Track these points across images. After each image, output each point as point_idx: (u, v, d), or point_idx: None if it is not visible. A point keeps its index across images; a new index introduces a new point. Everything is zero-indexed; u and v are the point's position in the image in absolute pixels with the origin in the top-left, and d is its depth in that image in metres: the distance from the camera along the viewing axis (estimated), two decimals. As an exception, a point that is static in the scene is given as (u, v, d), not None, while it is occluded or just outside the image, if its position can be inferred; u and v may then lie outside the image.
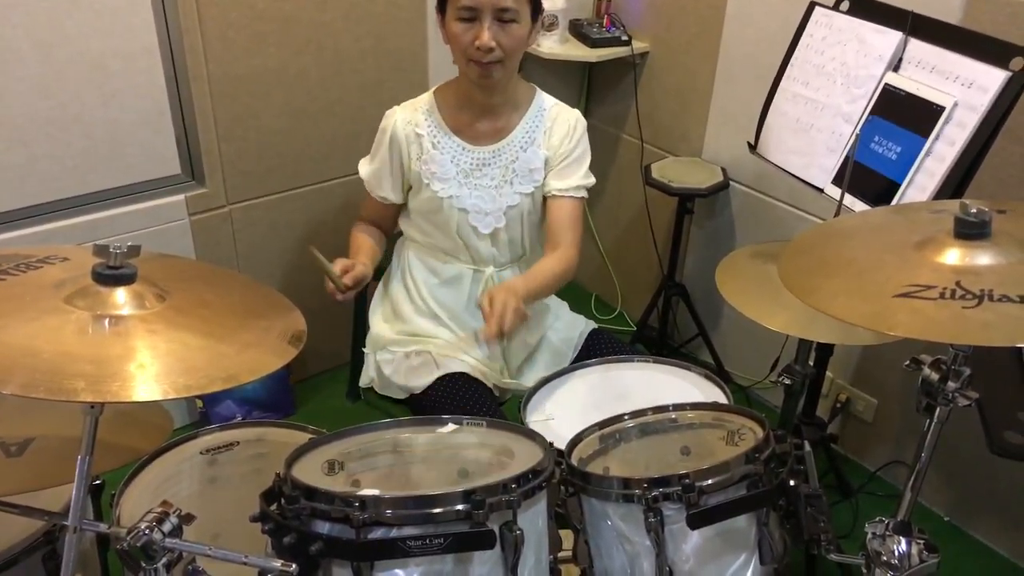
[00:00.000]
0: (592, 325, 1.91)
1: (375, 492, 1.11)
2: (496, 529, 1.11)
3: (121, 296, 1.06)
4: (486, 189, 1.71)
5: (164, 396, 0.95)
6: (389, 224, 1.87)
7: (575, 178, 1.76)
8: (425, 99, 1.72)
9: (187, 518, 1.08)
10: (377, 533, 1.09)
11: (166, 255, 1.33)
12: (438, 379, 1.70)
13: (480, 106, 1.69)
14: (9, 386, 0.90)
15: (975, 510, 2.20)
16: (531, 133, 1.73)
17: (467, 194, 1.70)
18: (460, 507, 1.09)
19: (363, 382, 1.87)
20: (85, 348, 0.98)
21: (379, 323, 1.84)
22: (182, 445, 1.50)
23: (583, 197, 1.77)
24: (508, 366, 1.84)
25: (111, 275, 1.05)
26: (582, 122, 1.78)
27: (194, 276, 1.25)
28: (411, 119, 1.68)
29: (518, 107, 1.73)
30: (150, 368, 0.97)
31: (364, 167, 1.79)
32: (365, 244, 1.80)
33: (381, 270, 1.90)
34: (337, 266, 1.61)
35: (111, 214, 2.10)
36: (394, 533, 1.09)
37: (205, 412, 2.40)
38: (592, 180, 1.79)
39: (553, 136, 1.74)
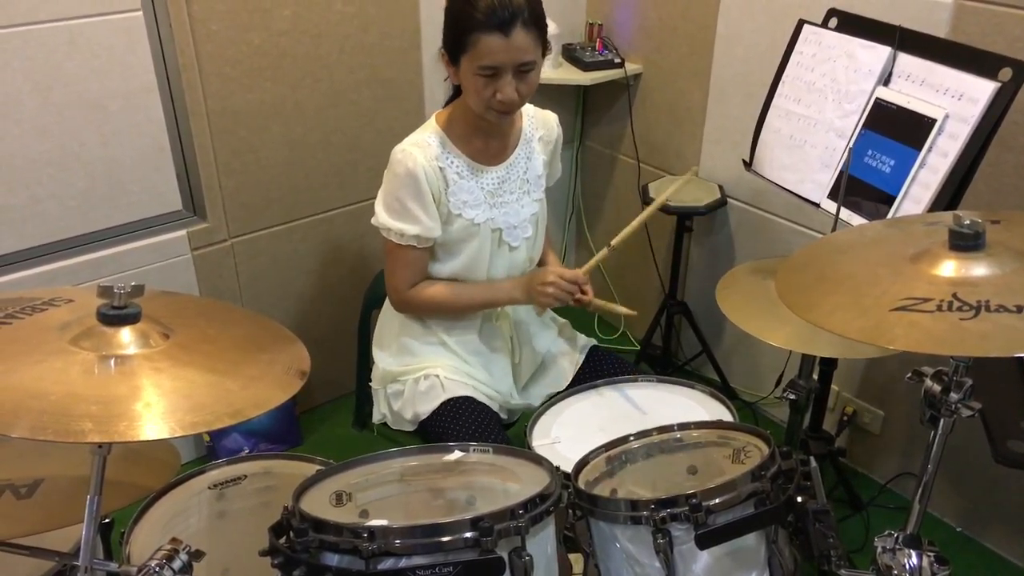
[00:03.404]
0: (592, 342, 1.94)
1: (383, 522, 1.11)
2: (505, 556, 1.11)
3: (126, 336, 1.07)
4: (511, 204, 1.75)
5: (171, 434, 0.95)
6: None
7: (557, 169, 1.90)
8: (431, 133, 1.68)
9: (197, 554, 1.09)
10: (386, 564, 1.08)
11: (169, 292, 1.34)
12: (444, 403, 1.71)
13: (489, 130, 1.72)
14: (17, 429, 0.91)
15: (986, 519, 2.19)
16: (529, 143, 1.79)
17: (499, 214, 1.74)
18: (468, 535, 1.09)
19: (376, 419, 1.89)
20: (91, 389, 0.99)
21: (386, 359, 1.84)
22: (190, 481, 1.51)
23: None
24: (516, 384, 1.87)
25: (116, 315, 1.07)
26: (557, 120, 1.87)
27: (197, 312, 1.26)
28: (429, 155, 1.65)
29: (515, 122, 1.77)
30: (156, 406, 0.98)
31: (407, 225, 1.65)
32: (457, 286, 1.77)
33: (380, 300, 1.90)
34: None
35: (114, 252, 2.12)
36: (403, 563, 1.08)
37: (212, 446, 2.40)
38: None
39: (548, 143, 1.83)
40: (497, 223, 1.74)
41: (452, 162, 1.68)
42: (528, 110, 1.81)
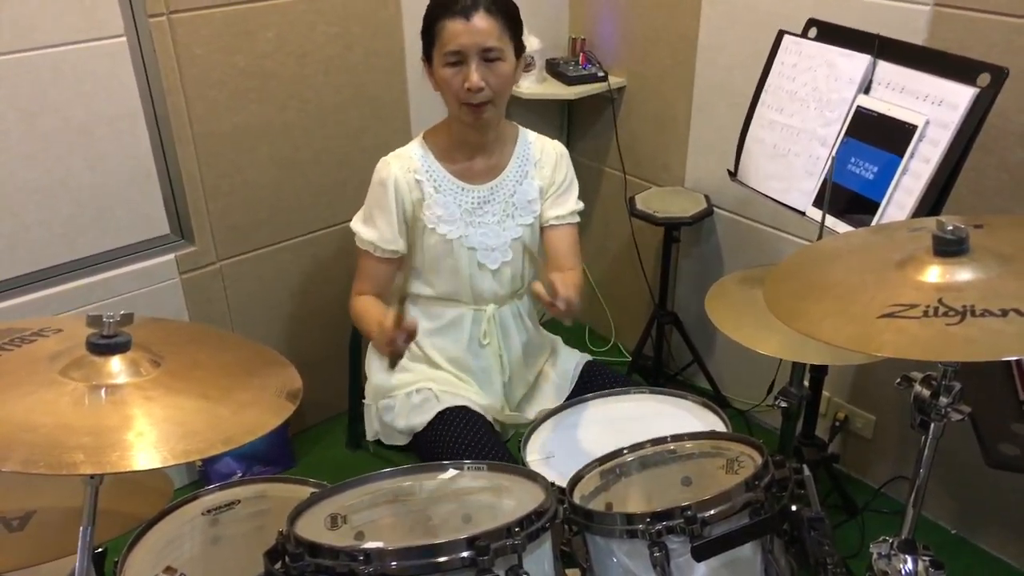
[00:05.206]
0: (587, 357, 1.93)
1: (379, 544, 1.10)
2: (502, 574, 1.10)
3: (116, 365, 1.06)
4: (490, 226, 1.75)
5: (164, 463, 0.95)
6: (387, 291, 1.81)
7: (569, 204, 1.84)
8: (415, 147, 1.73)
9: (192, 582, 1.08)
10: (383, 586, 1.08)
11: (159, 319, 1.34)
12: (439, 414, 1.71)
13: (473, 146, 1.72)
14: (9, 463, 0.90)
15: (981, 521, 2.20)
16: (523, 167, 1.78)
17: (473, 232, 1.74)
18: (465, 554, 1.09)
19: (369, 435, 1.88)
20: (83, 419, 0.98)
21: (378, 373, 1.84)
22: (183, 507, 1.49)
23: (577, 222, 1.86)
24: (508, 403, 1.86)
25: (105, 344, 1.06)
26: (566, 151, 1.86)
27: (187, 339, 1.26)
28: (407, 167, 1.69)
29: (506, 143, 1.78)
30: (148, 435, 0.98)
31: (367, 229, 1.73)
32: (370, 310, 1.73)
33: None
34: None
35: (102, 278, 2.11)
36: (400, 585, 1.08)
37: (204, 470, 2.39)
38: (582, 205, 1.87)
39: (544, 167, 1.81)
40: (471, 241, 1.73)
41: (432, 176, 1.70)
42: (530, 135, 1.81)
